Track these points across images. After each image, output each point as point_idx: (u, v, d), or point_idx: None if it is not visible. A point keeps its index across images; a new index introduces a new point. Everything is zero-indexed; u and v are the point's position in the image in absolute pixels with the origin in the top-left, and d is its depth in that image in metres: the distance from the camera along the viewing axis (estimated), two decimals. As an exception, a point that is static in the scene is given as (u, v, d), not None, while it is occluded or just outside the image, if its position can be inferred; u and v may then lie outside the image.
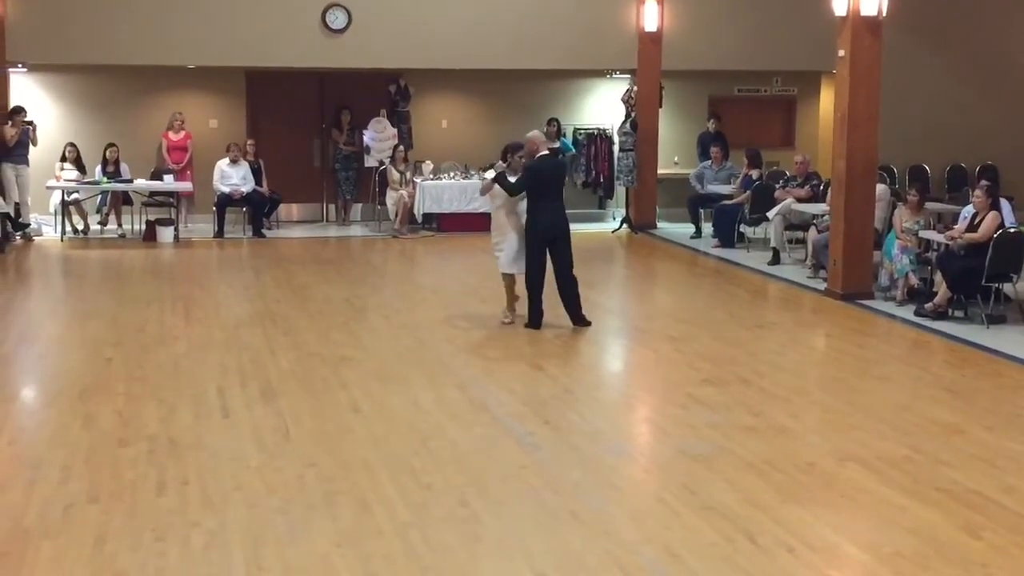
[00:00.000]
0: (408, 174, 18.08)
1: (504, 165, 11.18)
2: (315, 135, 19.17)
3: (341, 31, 17.80)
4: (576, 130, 19.41)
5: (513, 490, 6.99)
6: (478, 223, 17.84)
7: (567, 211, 11.39)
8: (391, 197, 17.94)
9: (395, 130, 18.48)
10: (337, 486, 6.96)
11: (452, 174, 18.33)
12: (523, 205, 11.17)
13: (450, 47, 17.94)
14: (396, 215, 17.82)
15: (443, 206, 17.96)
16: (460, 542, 6.18)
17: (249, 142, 18.12)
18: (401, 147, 18.20)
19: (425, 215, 18.01)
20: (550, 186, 11.16)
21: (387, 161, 18.16)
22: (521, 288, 11.40)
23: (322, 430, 8.11)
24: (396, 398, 8.94)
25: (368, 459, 7.46)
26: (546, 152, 11.35)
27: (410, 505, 6.66)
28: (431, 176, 18.22)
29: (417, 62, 18.07)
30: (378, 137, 18.38)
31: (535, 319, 11.23)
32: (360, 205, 19.22)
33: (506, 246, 11.25)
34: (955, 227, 12.13)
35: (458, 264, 15.82)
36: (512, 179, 11.04)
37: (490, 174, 11.37)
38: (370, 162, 18.45)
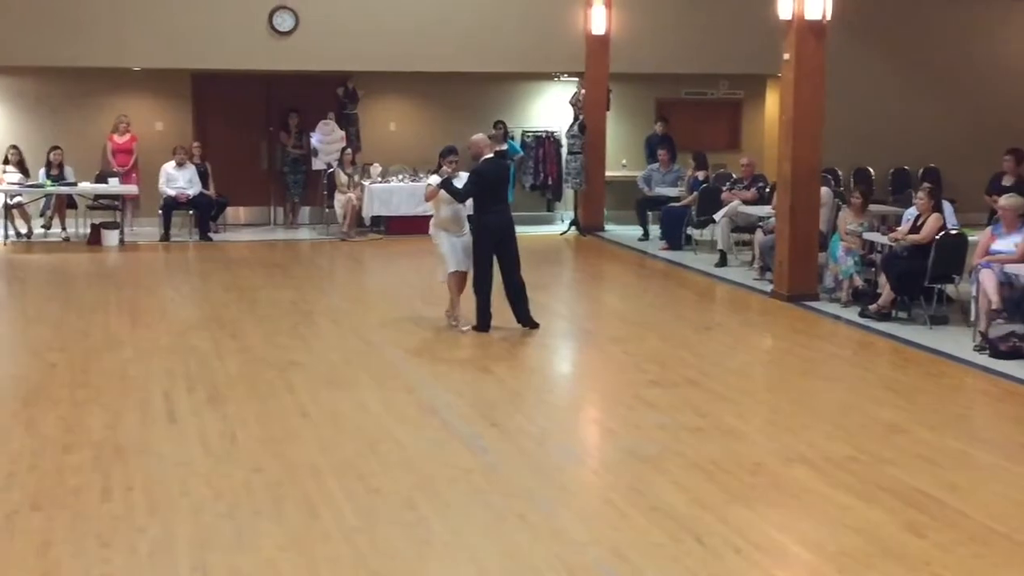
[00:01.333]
0: (356, 177, 18.03)
1: (447, 171, 11.16)
2: (262, 138, 19.07)
3: (288, 33, 17.73)
4: (524, 133, 19.44)
5: (461, 493, 6.99)
6: (426, 226, 17.75)
7: (515, 213, 11.41)
8: (339, 200, 17.88)
9: (343, 133, 18.42)
10: (284, 490, 6.93)
11: (400, 177, 18.30)
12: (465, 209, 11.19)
13: (398, 49, 17.91)
14: (344, 218, 17.76)
15: (391, 209, 17.92)
16: (408, 545, 6.17)
17: (195, 145, 18.00)
18: (349, 150, 18.14)
19: (373, 218, 17.96)
20: (496, 189, 11.17)
21: (335, 164, 18.09)
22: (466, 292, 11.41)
23: (269, 434, 8.07)
24: (344, 402, 8.91)
25: (315, 463, 7.43)
26: (491, 155, 11.34)
27: (358, 509, 6.65)
28: (379, 179, 18.18)
29: (365, 64, 18.02)
30: (326, 140, 18.32)
31: (484, 322, 11.24)
32: (308, 208, 19.15)
33: (455, 249, 11.23)
34: (898, 229, 12.27)
35: (406, 267, 15.80)
36: (455, 183, 11.03)
37: (433, 179, 11.34)
38: (318, 165, 18.38)
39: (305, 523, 6.44)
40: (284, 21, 17.70)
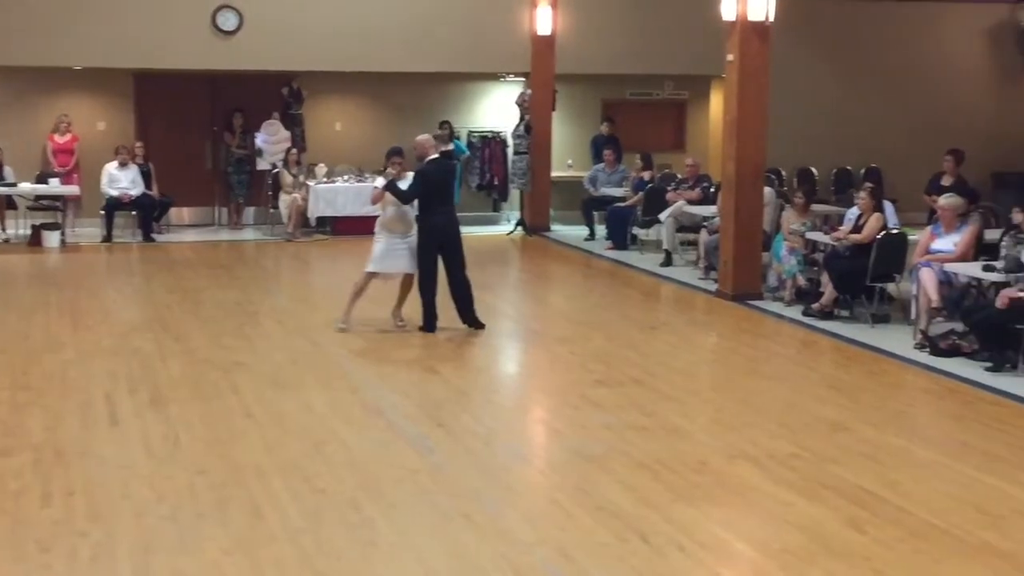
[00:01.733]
0: (301, 177, 17.94)
1: (391, 172, 11.13)
2: (206, 138, 18.92)
3: (232, 33, 17.61)
4: (470, 133, 19.43)
5: (407, 494, 6.98)
6: (372, 226, 17.71)
7: (461, 214, 11.41)
8: (284, 200, 17.77)
9: (288, 133, 18.32)
10: (228, 492, 6.88)
11: (346, 177, 18.22)
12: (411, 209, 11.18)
13: (343, 49, 17.84)
14: (289, 218, 17.66)
15: (337, 209, 17.84)
16: (353, 547, 6.15)
17: (138, 145, 17.81)
18: (294, 150, 18.05)
19: (318, 218, 17.87)
20: (441, 190, 11.16)
21: (280, 164, 17.99)
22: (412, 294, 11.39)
23: (213, 436, 8.01)
24: (289, 403, 8.87)
25: (260, 465, 7.39)
26: (436, 156, 11.32)
27: (303, 510, 6.61)
28: (324, 179, 18.09)
29: (310, 64, 17.94)
30: (271, 140, 18.21)
31: (430, 323, 11.22)
32: (253, 208, 19.02)
33: (400, 250, 11.20)
34: (840, 228, 12.39)
35: (352, 267, 15.61)
36: (400, 185, 11.00)
37: (379, 181, 11.30)
38: (263, 165, 18.27)
39: (250, 525, 6.40)
40: (228, 20, 17.57)
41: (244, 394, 9.05)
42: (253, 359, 10.24)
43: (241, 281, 14.34)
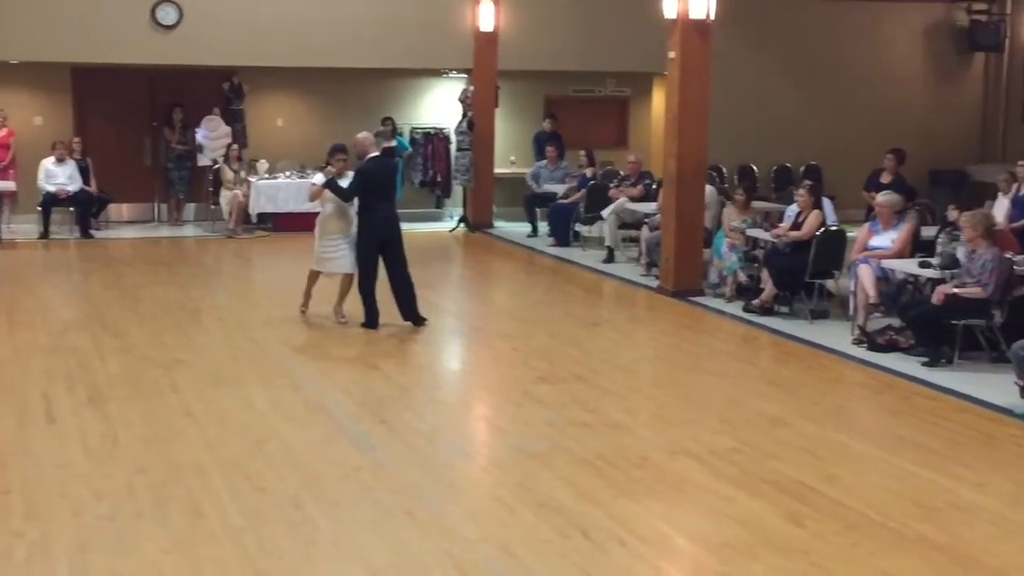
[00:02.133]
0: (242, 173, 17.80)
1: (332, 170, 11.10)
2: (146, 133, 18.71)
3: (172, 27, 17.42)
4: (413, 129, 19.38)
5: (349, 491, 6.96)
6: (313, 223, 17.64)
7: (404, 211, 11.40)
8: (225, 196, 17.64)
9: (229, 128, 18.16)
10: (168, 491, 6.82)
11: (288, 173, 18.10)
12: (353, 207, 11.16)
13: (285, 44, 17.72)
14: (230, 215, 17.52)
15: (278, 205, 17.72)
16: (295, 545, 6.12)
17: (76, 140, 17.59)
18: (235, 146, 17.91)
19: (260, 215, 17.75)
20: (382, 188, 11.14)
21: (221, 160, 17.85)
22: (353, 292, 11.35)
23: (153, 434, 7.93)
24: (230, 400, 8.80)
25: (201, 463, 7.33)
26: (376, 153, 11.30)
27: (243, 509, 6.57)
28: (266, 175, 17.97)
29: (251, 59, 17.79)
30: (211, 135, 18.05)
31: (372, 319, 11.19)
32: (193, 205, 18.84)
33: (342, 248, 11.17)
34: (780, 225, 12.50)
35: (293, 264, 15.57)
36: (341, 182, 10.98)
37: (318, 178, 11.26)
38: (203, 161, 18.11)
39: (189, 524, 6.35)
40: (167, 14, 17.39)
41: (184, 392, 8.97)
42: (193, 356, 10.16)
43: (181, 278, 14.21)
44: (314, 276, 11.47)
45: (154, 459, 7.39)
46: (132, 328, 11.21)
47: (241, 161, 17.92)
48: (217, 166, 17.87)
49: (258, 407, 8.66)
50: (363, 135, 11.52)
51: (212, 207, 18.12)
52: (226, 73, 18.32)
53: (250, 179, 17.73)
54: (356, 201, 11.06)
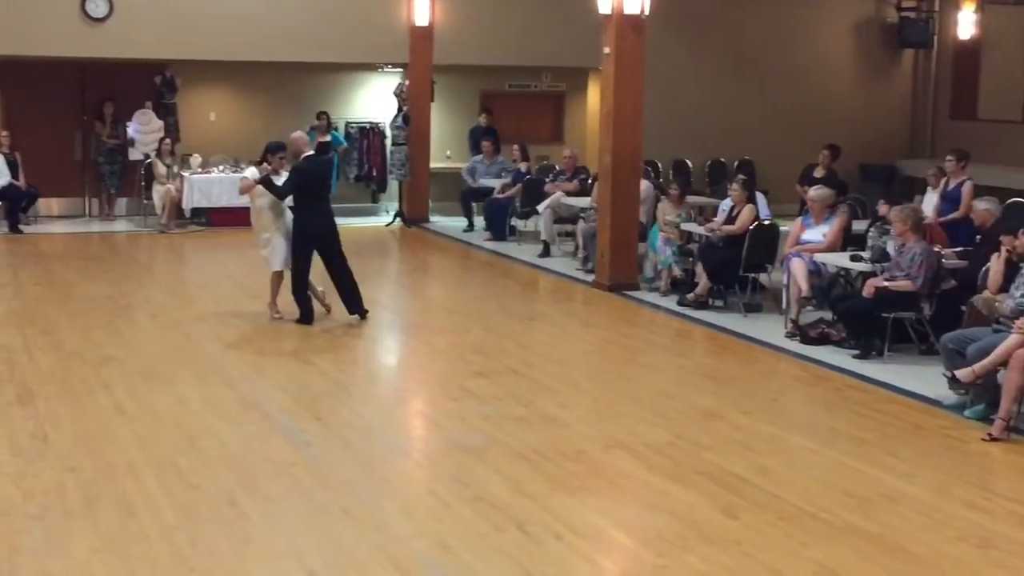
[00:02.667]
0: (175, 167, 17.61)
1: (268, 167, 11.03)
2: (76, 127, 18.44)
3: (102, 20, 17.18)
4: (348, 124, 19.28)
5: (283, 488, 6.92)
6: (247, 217, 17.44)
7: (341, 205, 11.38)
8: (157, 191, 17.44)
9: (161, 122, 17.96)
10: (99, 490, 6.74)
11: (221, 168, 17.94)
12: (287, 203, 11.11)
13: (218, 38, 17.54)
14: (163, 209, 17.33)
15: (212, 200, 17.55)
16: (228, 543, 6.07)
17: (4, 134, 17.29)
18: (167, 140, 17.70)
19: (193, 209, 17.57)
20: (317, 187, 11.11)
21: (153, 154, 17.64)
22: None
23: (83, 432, 7.83)
24: (162, 398, 8.71)
25: (132, 461, 7.25)
26: (311, 152, 11.28)
27: (176, 507, 6.51)
28: (199, 170, 17.79)
29: (183, 53, 17.59)
30: (143, 130, 17.84)
31: (307, 316, 11.13)
32: (125, 199, 18.60)
33: (275, 244, 11.11)
34: (714, 220, 12.59)
35: (228, 259, 15.51)
36: (277, 180, 10.92)
37: (250, 172, 11.20)
38: (135, 155, 17.89)
39: (121, 523, 6.28)
40: (97, 7, 17.14)
41: (116, 389, 8.87)
42: (125, 353, 10.04)
43: (113, 274, 14.02)
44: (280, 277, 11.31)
45: (85, 457, 7.30)
46: (62, 325, 11.06)
47: (174, 155, 17.73)
48: (149, 160, 17.66)
49: (192, 404, 8.58)
50: (298, 134, 11.54)
51: (144, 202, 17.91)
52: (158, 66, 18.10)
53: (183, 174, 17.55)
54: (291, 200, 11.02)
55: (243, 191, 11.28)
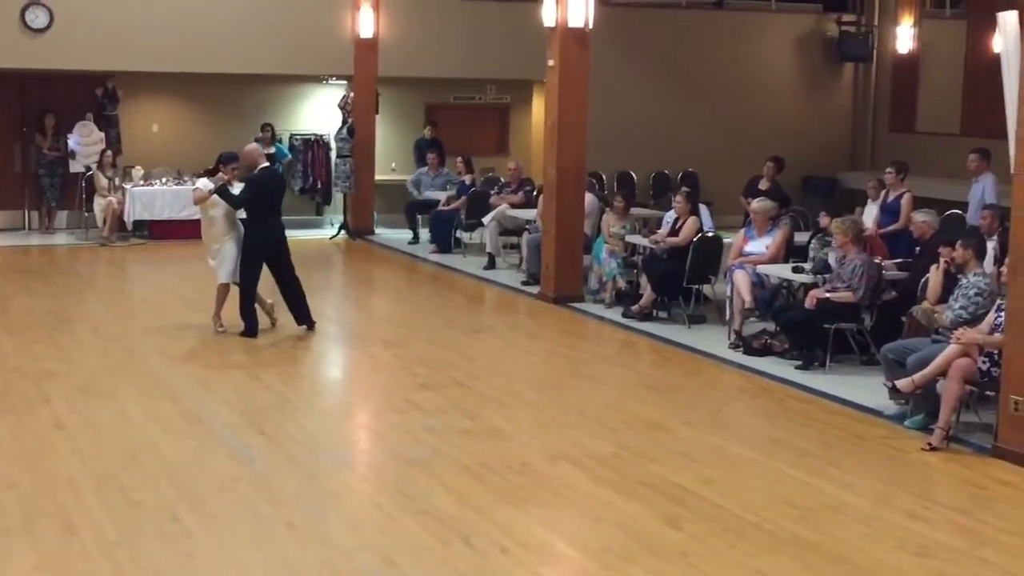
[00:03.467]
0: (117, 180, 17.45)
1: (223, 178, 10.98)
2: (16, 139, 18.21)
3: (42, 31, 16.99)
4: (292, 136, 19.20)
5: (227, 503, 6.87)
6: (191, 230, 17.36)
7: (286, 217, 11.43)
8: (99, 204, 17.26)
9: (102, 134, 17.78)
10: (39, 506, 6.65)
11: (164, 180, 17.79)
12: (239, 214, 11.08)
13: (160, 49, 17.40)
14: (104, 222, 17.16)
15: (155, 213, 17.40)
16: (171, 559, 6.02)
17: (-58, 145, 17.06)
18: (109, 152, 17.54)
19: (136, 222, 17.41)
20: (271, 199, 11.11)
21: (94, 166, 17.46)
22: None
23: (22, 448, 7.73)
24: (104, 412, 8.62)
25: (73, 477, 7.17)
26: (266, 164, 11.27)
27: (118, 523, 6.44)
28: (141, 182, 17.64)
29: (125, 64, 17.44)
30: (84, 142, 17.66)
31: (252, 329, 11.07)
32: (66, 212, 18.40)
33: (225, 254, 11.05)
34: (658, 232, 12.67)
35: (171, 272, 15.38)
36: (233, 190, 10.89)
37: (202, 182, 11.14)
38: (76, 167, 17.70)
39: (61, 540, 6.20)
40: (37, 18, 16.95)
41: (56, 404, 8.76)
42: (65, 368, 9.92)
43: (53, 287, 13.85)
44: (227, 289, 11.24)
45: (24, 474, 7.21)
46: (1, 339, 10.91)
47: (115, 168, 17.56)
48: (90, 173, 17.48)
49: (134, 419, 8.50)
50: (252, 146, 11.63)
51: (85, 215, 17.72)
52: (100, 78, 17.94)
53: (125, 186, 17.39)
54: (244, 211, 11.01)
55: (197, 201, 11.22)
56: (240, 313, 11.08)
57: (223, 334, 11.12)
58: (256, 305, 11.21)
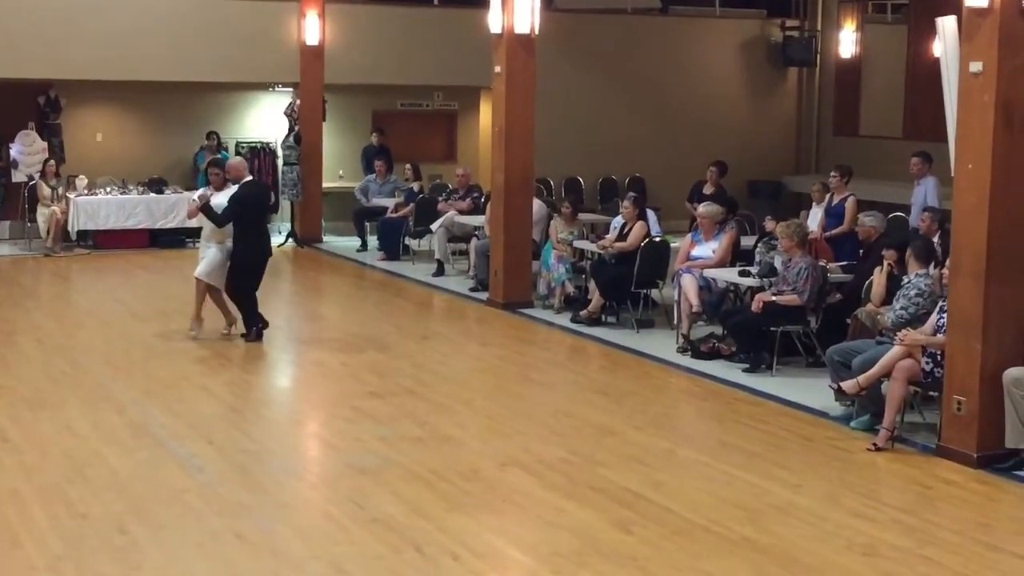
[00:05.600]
0: (60, 189, 17.26)
1: (206, 194, 11.07)
2: (-44, 149, 17.99)
3: (-18, 39, 16.80)
4: (239, 144, 19.08)
5: (175, 514, 6.82)
6: (137, 239, 17.27)
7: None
8: (42, 214, 17.06)
9: (45, 143, 17.59)
10: (-17, 522, 6.57)
11: (108, 189, 17.63)
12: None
13: (103, 57, 17.23)
14: (48, 232, 16.96)
15: (99, 222, 17.22)
16: (119, 572, 5.97)
17: None
18: (52, 161, 17.34)
19: (80, 232, 17.23)
20: (257, 213, 11.25)
21: (37, 176, 17.26)
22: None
23: (-34, 463, 7.63)
24: (49, 425, 8.53)
25: (18, 490, 7.09)
26: (251, 178, 11.34)
27: (64, 536, 6.38)
28: (86, 191, 17.46)
29: (67, 72, 17.25)
30: (26, 151, 17.45)
31: (257, 330, 11.29)
32: (8, 223, 18.17)
33: (208, 258, 11.08)
34: (606, 237, 12.72)
35: (116, 282, 15.23)
36: (216, 199, 10.93)
37: (197, 194, 11.27)
38: (18, 177, 17.48)
39: (6, 554, 6.13)
40: (-22, 25, 16.75)
41: None
42: (9, 380, 9.80)
43: (-4, 299, 13.69)
44: (205, 289, 11.28)
45: (-32, 488, 7.12)
46: (-57, 352, 10.77)
47: (59, 177, 17.37)
48: (33, 182, 17.27)
49: (80, 431, 8.41)
50: (237, 160, 11.82)
51: (28, 225, 17.50)
52: (42, 86, 17.75)
53: (69, 195, 17.21)
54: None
55: (190, 215, 11.49)
56: (244, 324, 11.21)
57: (194, 339, 11.06)
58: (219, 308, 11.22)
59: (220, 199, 11.02)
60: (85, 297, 14.77)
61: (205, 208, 10.97)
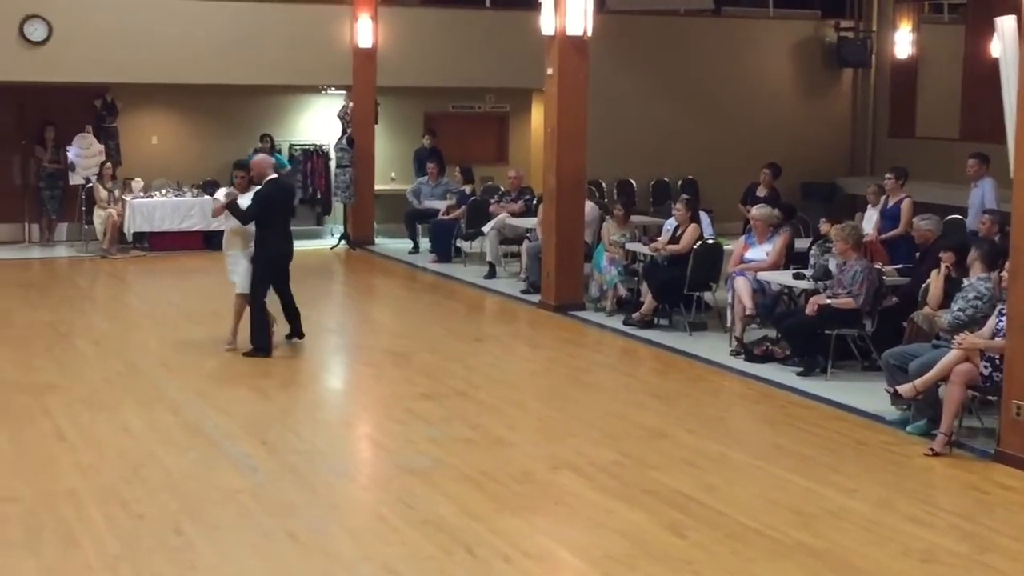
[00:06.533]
0: (116, 192, 17.46)
1: (234, 192, 10.92)
2: (15, 152, 18.22)
3: (41, 43, 17.01)
4: (292, 146, 19.21)
5: (229, 515, 6.86)
6: (191, 241, 17.43)
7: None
8: (99, 216, 17.27)
9: (102, 146, 17.79)
10: (40, 520, 6.64)
11: (163, 191, 17.80)
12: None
13: (160, 60, 17.42)
14: (104, 234, 17.16)
15: (154, 225, 17.40)
16: (174, 571, 6.01)
17: (-58, 159, 17.07)
18: (108, 164, 17.54)
19: (136, 234, 17.41)
20: (281, 211, 11.08)
21: (94, 179, 17.47)
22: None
23: (24, 461, 7.73)
24: (105, 425, 8.61)
25: (75, 490, 7.16)
26: (275, 175, 11.18)
27: (120, 536, 6.43)
28: (141, 194, 17.65)
29: (124, 76, 17.46)
30: (84, 154, 17.67)
31: (263, 346, 10.84)
32: (66, 225, 18.40)
33: (237, 268, 10.95)
34: (659, 239, 12.66)
35: (171, 285, 15.39)
36: (241, 200, 10.82)
37: (220, 194, 11.13)
38: (76, 180, 17.70)
39: (63, 554, 6.19)
40: (36, 30, 16.97)
41: (57, 417, 8.75)
42: (66, 381, 9.91)
43: (53, 300, 13.84)
44: (243, 302, 11.02)
45: (25, 487, 7.19)
46: (1, 352, 10.90)
47: (115, 179, 17.57)
48: (90, 185, 17.49)
49: (135, 431, 8.49)
50: (261, 157, 11.61)
51: (85, 227, 17.72)
52: (99, 90, 17.96)
53: (125, 198, 17.40)
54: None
55: (215, 214, 11.33)
56: (251, 331, 10.83)
57: (231, 351, 10.95)
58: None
59: (244, 201, 10.87)
60: (140, 299, 14.92)
61: (231, 206, 10.86)
